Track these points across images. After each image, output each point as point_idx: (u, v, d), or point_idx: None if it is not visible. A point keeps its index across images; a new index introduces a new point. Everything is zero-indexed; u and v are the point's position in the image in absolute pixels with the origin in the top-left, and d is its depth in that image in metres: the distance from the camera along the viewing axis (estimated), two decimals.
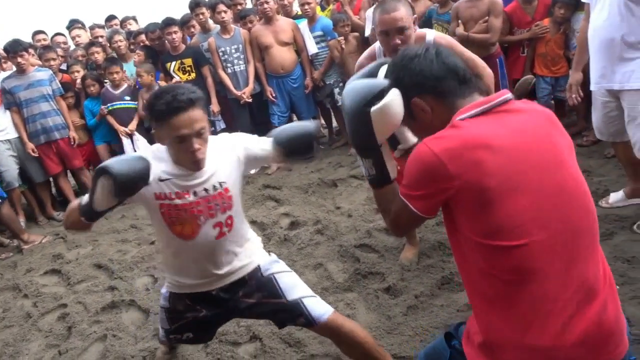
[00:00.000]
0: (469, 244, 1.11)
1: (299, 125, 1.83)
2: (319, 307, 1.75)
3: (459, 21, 3.93)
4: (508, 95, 1.14)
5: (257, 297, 1.80)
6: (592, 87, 2.59)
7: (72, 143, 4.70)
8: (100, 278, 3.34)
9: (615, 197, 2.81)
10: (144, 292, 3.01)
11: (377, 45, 2.29)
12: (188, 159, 1.60)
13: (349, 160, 4.80)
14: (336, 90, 4.90)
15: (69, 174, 5.12)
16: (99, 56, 5.00)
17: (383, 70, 1.28)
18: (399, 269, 2.64)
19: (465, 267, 1.16)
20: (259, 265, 1.84)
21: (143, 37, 5.16)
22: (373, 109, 1.16)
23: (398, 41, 2.08)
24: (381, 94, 1.16)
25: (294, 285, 1.80)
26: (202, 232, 1.70)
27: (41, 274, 3.57)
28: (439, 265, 2.61)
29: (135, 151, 4.74)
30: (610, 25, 2.36)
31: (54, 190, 5.14)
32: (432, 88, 1.16)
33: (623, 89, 2.39)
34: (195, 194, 1.67)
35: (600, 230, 2.46)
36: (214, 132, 4.89)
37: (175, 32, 4.70)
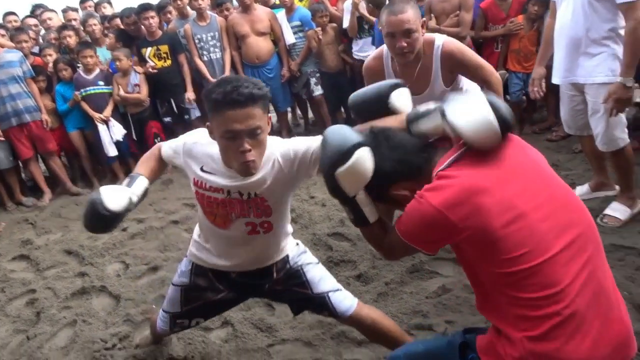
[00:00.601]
0: (488, 276, 1.14)
1: None
2: (344, 303, 1.73)
3: (432, 15, 4.07)
4: None
5: (283, 285, 1.77)
6: (558, 81, 2.67)
7: (45, 126, 4.59)
8: (71, 264, 3.29)
9: (581, 190, 2.91)
10: (115, 279, 2.98)
11: (384, 47, 2.22)
12: (236, 160, 1.42)
13: None
14: (312, 81, 4.91)
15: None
16: (72, 40, 4.88)
17: (396, 96, 1.34)
18: (371, 257, 2.68)
19: (490, 298, 1.17)
20: (287, 256, 1.78)
21: (118, 21, 5.06)
22: (338, 171, 1.20)
23: (404, 44, 2.03)
24: (347, 155, 1.19)
25: (320, 278, 1.76)
26: (233, 227, 1.63)
27: (9, 260, 3.50)
28: None
29: (110, 138, 4.66)
30: (575, 23, 2.45)
31: (23, 175, 5.03)
32: (403, 175, 1.20)
33: (587, 83, 2.48)
34: (228, 193, 1.56)
35: None
36: (188, 120, 4.89)
37: (152, 17, 4.61)
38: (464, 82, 2.23)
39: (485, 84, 2.13)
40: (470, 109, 1.14)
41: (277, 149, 1.53)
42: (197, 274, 1.79)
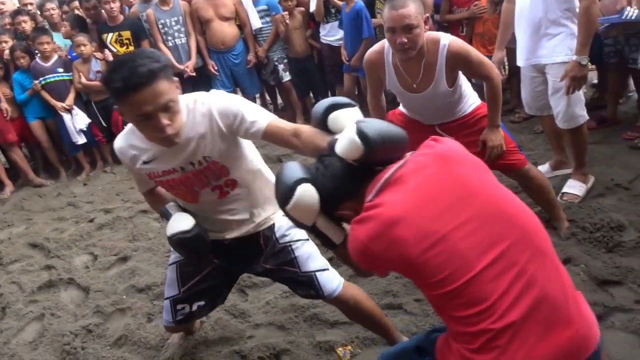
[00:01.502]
0: (427, 296, 1.18)
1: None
2: (332, 283, 1.73)
3: None
4: (401, 162, 1.22)
5: (272, 263, 1.75)
6: (521, 64, 2.73)
7: (5, 115, 4.43)
8: (36, 257, 3.22)
9: (542, 169, 3.00)
10: (83, 270, 2.94)
11: (386, 40, 2.17)
12: (158, 137, 1.42)
13: None
14: (280, 67, 4.88)
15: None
16: (27, 25, 4.70)
17: (334, 118, 1.34)
18: None
19: (438, 311, 1.21)
20: (273, 225, 1.75)
21: (77, 4, 4.89)
22: (287, 208, 1.27)
23: (404, 39, 1.98)
24: (290, 193, 1.24)
25: (309, 256, 1.74)
26: (202, 197, 1.64)
27: None
28: None
29: (74, 127, 4.53)
30: (534, 5, 2.51)
31: None
32: (341, 200, 1.26)
33: (548, 63, 2.55)
34: (182, 169, 1.56)
35: (527, 201, 2.62)
36: None
37: (113, 1, 4.48)
38: (462, 79, 2.26)
39: (486, 80, 2.16)
40: (344, 133, 1.24)
41: (213, 105, 1.51)
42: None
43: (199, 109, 1.51)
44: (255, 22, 4.74)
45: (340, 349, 1.96)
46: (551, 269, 1.12)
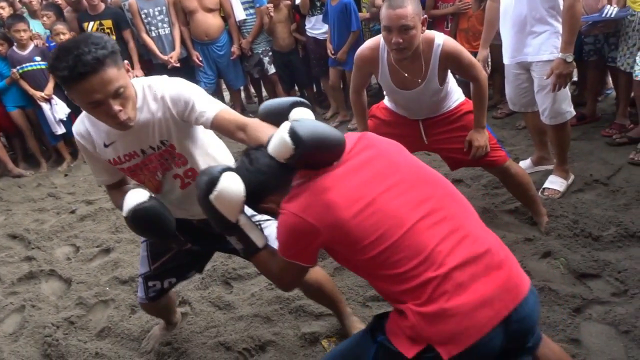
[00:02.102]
0: (363, 266, 1.21)
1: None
2: None
3: None
4: None
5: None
6: (507, 61, 2.77)
7: None
8: (16, 249, 3.17)
9: (524, 164, 3.06)
10: (64, 262, 2.90)
11: (381, 37, 2.16)
12: (111, 122, 1.42)
13: None
14: (265, 60, 4.85)
15: None
16: (5, 12, 4.59)
17: (295, 113, 1.33)
18: None
19: (376, 285, 1.26)
20: None
21: None
22: (210, 197, 1.25)
23: (400, 40, 1.99)
24: (215, 182, 1.25)
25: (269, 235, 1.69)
26: (165, 186, 1.66)
27: None
28: None
29: (54, 117, 4.45)
30: (519, 4, 2.54)
31: None
32: (266, 193, 1.28)
33: (533, 61, 2.59)
34: (143, 152, 1.56)
35: (508, 195, 2.66)
36: None
37: None
38: (450, 76, 2.29)
39: (474, 81, 2.19)
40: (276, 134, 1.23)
41: (166, 91, 1.50)
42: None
43: (153, 94, 1.51)
44: (239, 13, 4.70)
45: (325, 340, 1.98)
46: (477, 223, 1.25)
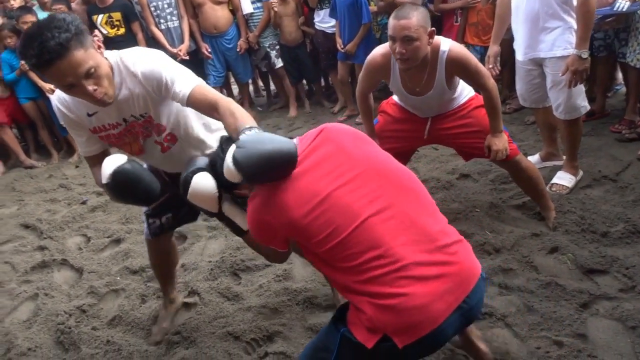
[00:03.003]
0: (322, 259, 1.26)
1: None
2: None
3: None
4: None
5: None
6: (520, 57, 2.74)
7: None
8: (28, 238, 3.22)
9: (532, 160, 3.05)
10: (76, 252, 2.95)
11: None
12: (90, 100, 1.46)
13: (287, 122, 4.84)
14: (273, 54, 4.85)
15: None
16: (16, 3, 4.62)
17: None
18: None
19: (328, 275, 1.33)
20: None
21: None
22: (187, 197, 1.39)
23: (403, 50, 1.99)
24: (188, 182, 1.36)
25: None
26: (147, 149, 1.73)
27: None
28: None
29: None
30: None
31: None
32: (258, 179, 1.29)
33: (547, 57, 2.57)
34: (125, 121, 1.62)
35: (516, 190, 2.66)
36: None
37: None
38: (461, 82, 2.29)
39: (482, 89, 2.17)
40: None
41: (138, 68, 1.53)
42: (153, 172, 1.70)
43: (127, 69, 1.54)
44: (247, 7, 4.70)
45: None
46: (433, 214, 1.29)
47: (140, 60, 1.55)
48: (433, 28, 2.04)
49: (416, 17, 1.96)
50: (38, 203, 3.77)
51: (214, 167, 1.35)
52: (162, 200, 1.85)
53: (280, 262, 1.50)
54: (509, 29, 2.81)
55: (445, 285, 1.17)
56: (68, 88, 1.42)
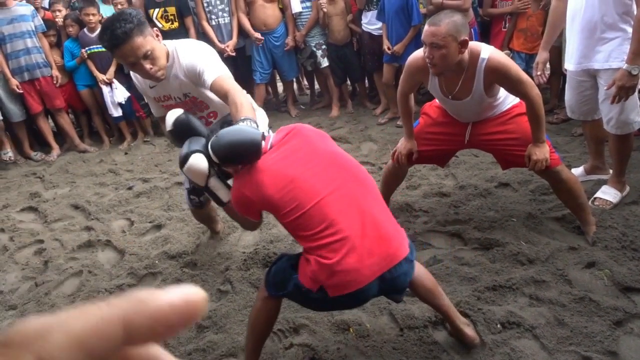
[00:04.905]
0: (288, 227, 1.59)
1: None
2: None
3: None
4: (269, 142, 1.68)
5: None
6: (572, 67, 2.64)
7: (55, 82, 4.64)
8: (77, 218, 3.40)
9: (576, 172, 2.97)
10: (120, 234, 3.10)
11: None
12: (147, 76, 1.92)
13: (328, 122, 4.88)
14: (319, 53, 4.90)
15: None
16: None
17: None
18: None
19: (297, 240, 1.63)
20: None
21: None
22: (183, 169, 1.70)
23: (431, 56, 2.03)
24: (185, 160, 1.67)
25: None
26: None
27: (18, 211, 3.62)
28: (405, 225, 2.76)
29: (113, 100, 4.70)
30: (590, 7, 2.42)
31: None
32: (230, 162, 1.64)
33: (602, 68, 2.48)
34: (175, 99, 2.07)
35: (556, 202, 2.59)
36: None
37: None
38: (502, 90, 2.27)
39: (524, 98, 2.13)
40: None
41: (182, 60, 1.95)
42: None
43: (178, 58, 1.97)
44: (296, 6, 4.77)
45: (352, 328, 2.04)
46: (375, 199, 1.61)
47: (187, 52, 1.96)
48: (465, 38, 2.02)
49: (446, 26, 1.97)
50: (88, 186, 3.97)
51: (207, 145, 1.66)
52: None
53: (252, 230, 1.90)
54: (559, 36, 2.74)
55: (373, 258, 1.50)
56: (132, 65, 1.88)
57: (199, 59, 1.92)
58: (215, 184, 1.73)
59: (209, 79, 1.88)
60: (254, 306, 1.78)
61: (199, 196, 2.42)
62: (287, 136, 1.66)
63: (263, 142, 1.62)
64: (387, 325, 2.06)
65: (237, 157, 1.59)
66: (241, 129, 1.59)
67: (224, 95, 1.83)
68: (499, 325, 1.93)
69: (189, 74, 1.95)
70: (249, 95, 1.93)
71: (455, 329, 1.85)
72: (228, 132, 1.58)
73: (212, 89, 1.89)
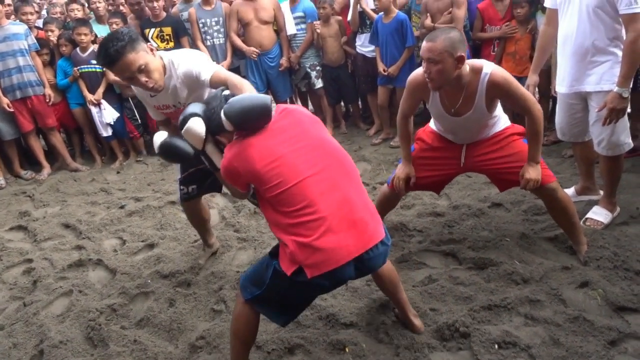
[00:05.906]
0: (267, 202, 1.66)
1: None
2: None
3: (428, 14, 4.23)
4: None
5: None
6: (564, 90, 2.68)
7: (48, 101, 4.63)
8: (68, 237, 3.36)
9: (567, 192, 3.00)
10: (111, 253, 3.06)
11: None
12: (145, 89, 2.08)
13: None
14: (313, 74, 4.95)
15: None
16: (79, 14, 4.91)
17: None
18: None
19: (269, 217, 1.70)
20: None
21: (122, 0, 5.08)
22: (182, 131, 1.82)
23: (428, 71, 2.09)
24: (184, 122, 1.80)
25: None
26: None
27: (6, 230, 3.57)
28: (400, 244, 2.76)
29: (101, 120, 4.69)
30: (582, 32, 2.48)
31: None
32: (217, 132, 1.80)
33: (594, 91, 2.53)
34: (174, 106, 2.24)
35: (548, 223, 2.60)
36: None
37: (156, 0, 4.64)
38: (498, 110, 2.30)
39: (527, 114, 2.18)
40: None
41: (180, 69, 2.11)
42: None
43: (174, 69, 2.12)
44: (290, 28, 4.84)
45: (348, 347, 2.02)
46: (356, 186, 1.70)
47: (181, 61, 2.12)
48: (461, 54, 2.06)
49: (442, 42, 2.03)
50: (79, 205, 3.93)
51: (210, 118, 1.78)
52: (190, 173, 2.49)
53: (240, 198, 1.98)
54: (548, 59, 2.79)
55: (351, 239, 1.58)
56: (129, 80, 2.01)
57: (193, 64, 2.10)
58: (211, 149, 1.86)
59: (206, 77, 2.05)
60: (233, 312, 1.86)
61: (188, 186, 2.53)
62: (279, 115, 1.75)
63: (273, 105, 1.72)
64: (383, 345, 2.04)
65: (250, 121, 1.68)
66: (252, 96, 1.71)
67: (224, 85, 1.98)
68: (495, 346, 1.93)
69: (187, 80, 2.12)
70: (246, 81, 2.06)
71: (406, 319, 2.08)
72: (241, 99, 1.70)
73: (212, 84, 2.05)
